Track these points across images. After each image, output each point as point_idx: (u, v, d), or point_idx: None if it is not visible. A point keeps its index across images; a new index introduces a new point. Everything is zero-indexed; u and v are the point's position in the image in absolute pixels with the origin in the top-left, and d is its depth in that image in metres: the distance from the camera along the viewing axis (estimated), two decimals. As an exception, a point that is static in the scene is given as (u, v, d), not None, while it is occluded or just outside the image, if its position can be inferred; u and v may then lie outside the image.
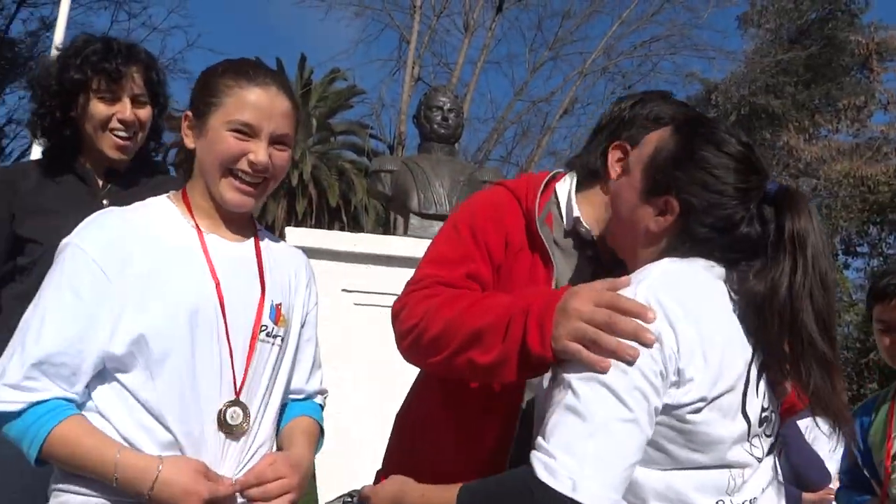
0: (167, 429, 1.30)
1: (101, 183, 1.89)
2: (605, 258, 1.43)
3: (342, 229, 17.96)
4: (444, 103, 4.68)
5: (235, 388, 1.37)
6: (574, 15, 14.74)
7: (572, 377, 1.10)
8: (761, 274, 1.18)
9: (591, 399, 1.07)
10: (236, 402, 1.36)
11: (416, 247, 4.13)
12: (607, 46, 14.52)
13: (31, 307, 1.34)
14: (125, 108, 1.84)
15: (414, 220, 4.48)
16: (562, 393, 1.10)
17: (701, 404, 1.11)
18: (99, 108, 1.83)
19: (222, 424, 1.35)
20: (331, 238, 4.07)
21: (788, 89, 16.77)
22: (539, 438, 1.10)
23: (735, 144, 1.24)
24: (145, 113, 1.88)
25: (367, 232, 12.56)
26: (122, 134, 1.84)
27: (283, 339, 1.46)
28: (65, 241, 1.37)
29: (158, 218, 1.43)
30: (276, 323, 1.44)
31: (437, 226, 4.49)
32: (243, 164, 1.38)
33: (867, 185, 13.61)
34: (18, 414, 1.26)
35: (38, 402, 1.26)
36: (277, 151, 1.41)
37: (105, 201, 1.80)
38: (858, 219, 14.08)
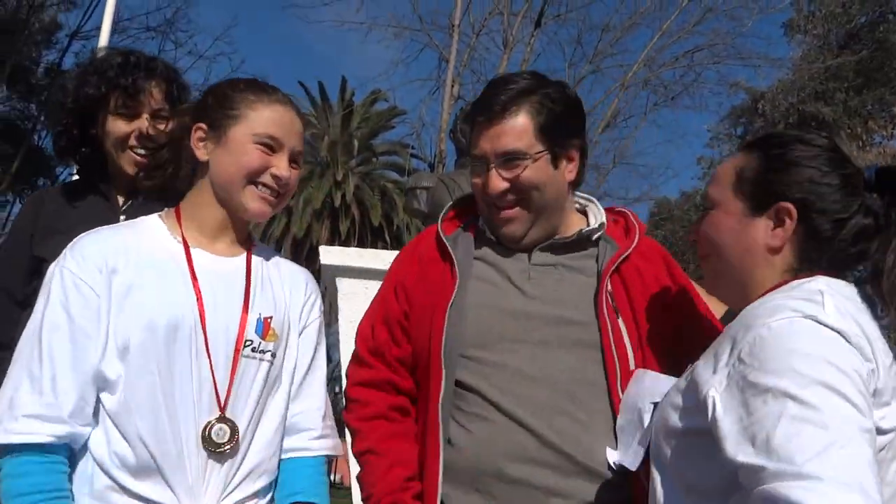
0: (145, 448, 1.25)
1: (121, 200, 1.84)
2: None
3: (385, 248, 18.06)
4: (480, 118, 4.61)
5: (220, 404, 1.32)
6: (613, 28, 14.62)
7: (786, 384, 0.99)
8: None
9: (825, 405, 0.96)
10: (223, 419, 1.31)
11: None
12: (648, 58, 14.33)
13: (25, 335, 1.31)
14: (143, 125, 1.78)
15: (451, 237, 4.41)
16: (770, 404, 0.99)
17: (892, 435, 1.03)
18: (117, 125, 1.78)
19: (207, 441, 1.30)
20: (365, 256, 4.02)
21: (839, 95, 16.28)
22: (761, 460, 0.95)
23: (820, 137, 1.24)
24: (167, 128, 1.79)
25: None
26: (142, 151, 1.78)
27: (273, 355, 1.42)
28: (52, 265, 1.36)
29: (145, 233, 1.43)
30: (263, 338, 1.40)
31: (474, 242, 4.42)
32: (266, 178, 1.43)
33: (926, 191, 13.07)
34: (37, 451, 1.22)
35: (50, 450, 1.23)
36: (293, 169, 1.46)
37: (123, 217, 1.76)
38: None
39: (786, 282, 1.20)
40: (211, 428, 1.30)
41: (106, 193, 1.83)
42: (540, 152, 1.51)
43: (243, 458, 1.34)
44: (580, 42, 14.97)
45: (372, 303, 1.66)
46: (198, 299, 1.35)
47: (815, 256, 1.20)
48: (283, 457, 1.43)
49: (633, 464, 1.30)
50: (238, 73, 23.33)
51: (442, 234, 1.61)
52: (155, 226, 1.45)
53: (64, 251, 1.37)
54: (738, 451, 1.00)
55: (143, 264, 1.36)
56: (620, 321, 1.48)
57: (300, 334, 1.51)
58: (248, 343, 1.37)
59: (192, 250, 1.40)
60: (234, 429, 1.32)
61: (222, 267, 1.43)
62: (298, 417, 1.46)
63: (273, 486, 1.41)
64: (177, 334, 1.31)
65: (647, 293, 1.52)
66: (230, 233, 1.47)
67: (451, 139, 4.85)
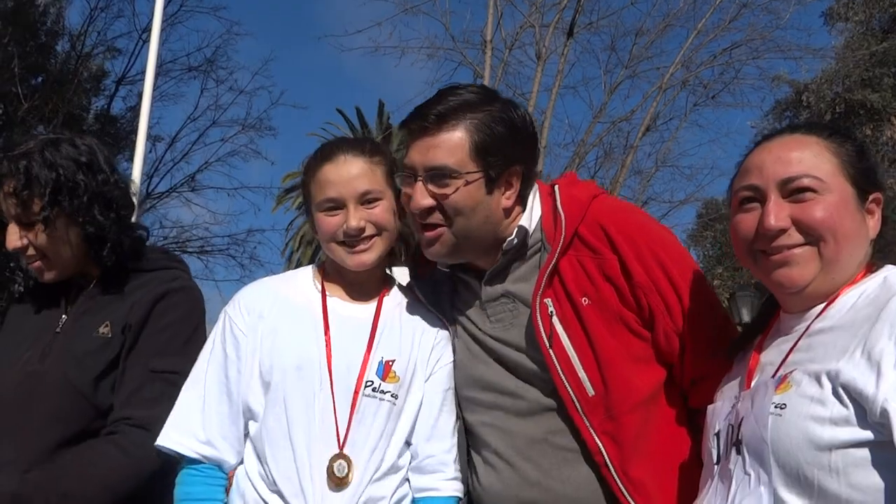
0: (277, 471, 1.42)
1: (62, 302, 1.75)
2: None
3: (432, 267, 18.05)
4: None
5: (339, 441, 1.44)
6: (648, 31, 14.47)
7: None
8: None
9: None
10: (341, 455, 1.42)
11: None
12: (685, 59, 14.15)
13: (195, 365, 1.55)
14: (13, 237, 1.65)
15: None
16: None
17: None
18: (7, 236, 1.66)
19: (331, 476, 1.42)
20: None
21: (887, 80, 15.80)
22: None
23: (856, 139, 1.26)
24: (35, 236, 1.64)
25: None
26: (31, 255, 1.67)
27: (394, 396, 1.49)
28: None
29: (294, 283, 1.61)
30: (383, 379, 1.48)
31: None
32: (340, 235, 1.51)
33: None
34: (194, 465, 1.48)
35: (206, 467, 1.47)
36: (369, 209, 1.52)
37: (63, 316, 1.71)
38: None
39: (872, 268, 1.21)
40: (333, 465, 1.41)
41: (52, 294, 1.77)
42: (473, 173, 1.41)
43: (363, 492, 1.43)
44: (614, 48, 14.82)
45: None
46: (326, 343, 1.48)
47: (885, 242, 1.23)
48: (417, 496, 1.51)
49: None
50: (278, 104, 23.92)
51: (414, 284, 1.62)
52: (304, 276, 1.63)
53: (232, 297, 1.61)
54: None
55: (286, 310, 1.53)
56: (565, 339, 1.41)
57: (428, 378, 1.56)
58: (368, 384, 1.47)
59: (328, 298, 1.55)
60: (350, 464, 1.42)
61: (354, 313, 1.56)
62: (430, 460, 1.52)
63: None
64: (303, 373, 1.46)
65: (594, 286, 1.41)
66: (361, 282, 1.59)
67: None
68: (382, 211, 1.53)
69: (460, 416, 1.55)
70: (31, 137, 1.64)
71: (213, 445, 1.49)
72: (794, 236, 1.19)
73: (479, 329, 1.52)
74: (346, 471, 1.41)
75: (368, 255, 1.52)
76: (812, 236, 1.18)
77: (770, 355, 1.24)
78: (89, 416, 1.54)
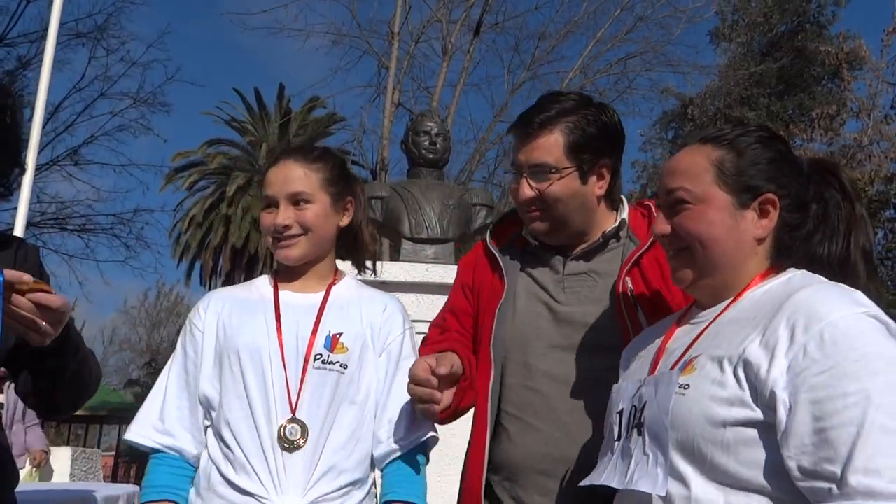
0: (240, 449, 1.55)
1: None
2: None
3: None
4: (432, 128, 4.72)
5: (291, 407, 1.57)
6: (550, 36, 14.93)
7: (868, 389, 1.02)
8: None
9: None
10: (294, 420, 1.56)
11: (409, 271, 4.14)
12: (584, 65, 14.71)
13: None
14: None
15: (406, 245, 4.49)
16: (851, 411, 1.02)
17: None
18: None
19: (282, 439, 1.54)
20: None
21: (762, 101, 17.03)
22: (835, 469, 1.00)
23: (771, 131, 1.35)
24: None
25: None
26: None
27: (343, 366, 1.63)
28: None
29: (250, 286, 1.77)
30: (331, 350, 1.62)
31: (428, 249, 4.50)
32: (272, 231, 1.67)
33: (844, 191, 13.77)
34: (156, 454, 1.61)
35: (168, 455, 1.61)
36: (298, 210, 1.67)
37: None
38: (838, 225, 14.22)
39: (771, 270, 1.29)
40: (284, 428, 1.55)
41: None
42: (567, 168, 1.64)
43: (319, 457, 1.56)
44: (518, 50, 15.19)
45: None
46: (277, 327, 1.61)
47: (788, 244, 1.30)
48: (382, 467, 1.64)
49: (659, 487, 1.18)
50: (174, 80, 22.87)
51: (491, 246, 1.81)
52: (260, 279, 1.79)
53: None
54: (807, 455, 1.04)
55: (240, 305, 1.67)
56: (641, 315, 1.60)
57: (381, 354, 1.69)
58: (317, 356, 1.61)
59: (280, 292, 1.70)
60: (304, 428, 1.55)
61: (304, 301, 1.69)
62: (386, 426, 1.64)
63: (361, 488, 1.61)
64: (257, 354, 1.60)
65: (666, 283, 1.60)
66: (307, 274, 1.72)
67: (402, 149, 4.94)
68: (311, 213, 1.66)
69: (498, 378, 1.66)
70: None
71: (171, 435, 1.61)
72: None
73: (553, 298, 1.68)
74: (297, 434, 1.54)
75: (292, 251, 1.66)
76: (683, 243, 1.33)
77: (676, 343, 1.34)
78: None
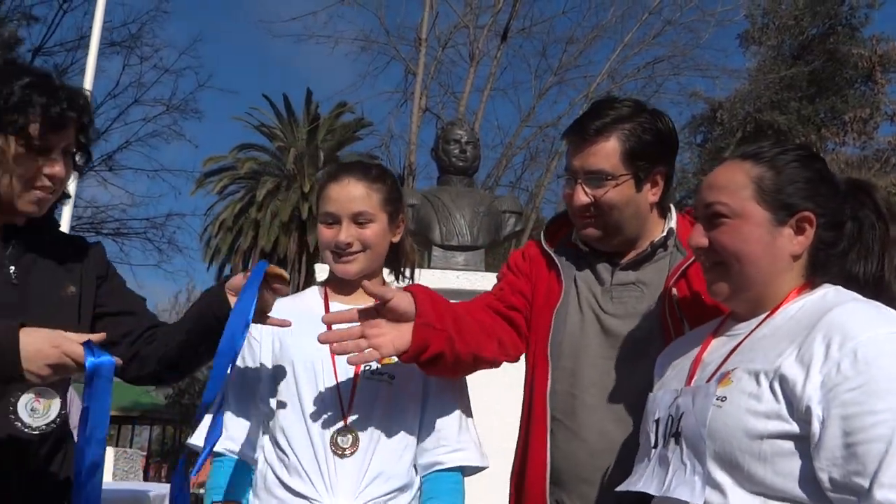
0: (293, 453, 1.63)
1: (2, 245, 1.58)
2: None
3: (355, 260, 17.91)
4: (462, 136, 4.77)
5: (343, 416, 1.64)
6: (577, 40, 14.89)
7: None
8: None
9: None
10: (346, 429, 1.64)
11: (440, 278, 4.20)
12: (611, 70, 14.65)
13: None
14: (57, 164, 1.54)
15: (437, 252, 4.55)
16: (879, 429, 1.07)
17: None
18: (27, 159, 1.51)
19: (334, 445, 1.62)
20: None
21: (793, 104, 16.84)
22: (863, 482, 1.06)
23: (819, 159, 1.37)
24: (68, 168, 1.58)
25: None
26: (48, 186, 1.55)
27: (391, 377, 1.69)
28: None
29: (301, 297, 1.85)
30: (379, 362, 1.67)
31: (459, 256, 4.56)
32: (332, 245, 1.73)
33: (878, 196, 13.56)
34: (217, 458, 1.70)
35: (230, 457, 1.69)
36: (360, 228, 1.72)
37: (12, 268, 1.56)
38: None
39: (806, 286, 1.32)
40: (336, 436, 1.64)
41: None
42: (624, 175, 1.64)
43: (369, 463, 1.63)
44: (545, 54, 15.18)
45: None
46: (329, 343, 1.63)
47: (824, 261, 1.33)
48: (423, 475, 1.69)
49: (697, 496, 1.22)
50: (206, 87, 23.17)
51: (546, 247, 1.82)
52: (310, 290, 1.87)
53: None
54: (837, 468, 1.09)
55: (293, 316, 1.71)
56: (686, 326, 1.61)
57: None
58: (366, 368, 1.68)
59: (330, 302, 1.78)
60: (355, 436, 1.63)
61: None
62: (432, 437, 1.69)
63: (407, 493, 1.66)
64: (310, 368, 1.68)
65: None
66: (358, 286, 1.76)
67: (432, 157, 5.00)
68: (371, 232, 1.72)
69: (550, 384, 1.69)
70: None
71: (232, 439, 1.70)
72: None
73: (601, 308, 1.70)
74: (349, 442, 1.62)
75: (352, 266, 1.72)
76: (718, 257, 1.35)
77: (712, 354, 1.37)
78: None
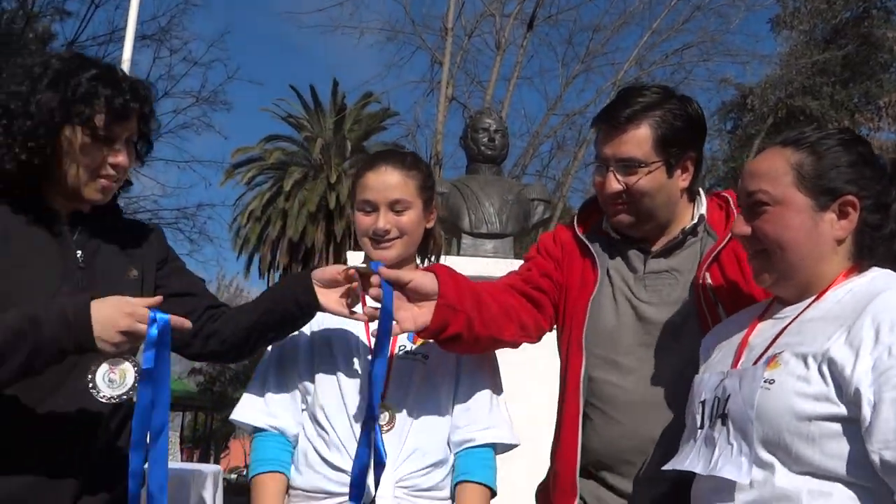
0: (333, 430, 1.71)
1: (69, 231, 1.62)
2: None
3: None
4: (490, 125, 4.81)
5: (380, 394, 1.68)
6: (604, 28, 14.78)
7: None
8: None
9: None
10: (383, 406, 1.68)
11: (470, 265, 4.24)
12: (639, 57, 14.54)
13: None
14: (121, 154, 1.60)
15: (466, 240, 4.60)
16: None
17: None
18: (93, 148, 1.56)
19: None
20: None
21: (826, 90, 16.52)
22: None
23: (862, 142, 1.37)
24: (131, 157, 1.65)
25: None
26: (112, 175, 1.61)
27: (426, 357, 1.74)
28: None
29: None
30: (413, 343, 1.75)
31: (488, 244, 4.60)
32: (370, 232, 1.76)
33: (913, 182, 13.31)
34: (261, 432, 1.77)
35: (273, 433, 1.76)
36: (397, 215, 1.75)
37: (79, 253, 1.61)
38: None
39: (854, 269, 1.33)
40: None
41: (49, 220, 1.59)
42: (656, 162, 1.66)
43: (406, 439, 1.69)
44: (571, 42, 15.10)
45: None
46: (365, 323, 1.74)
47: (870, 244, 1.33)
48: (456, 452, 1.75)
49: (744, 475, 1.24)
50: (235, 79, 23.32)
51: (580, 234, 1.82)
52: None
53: None
54: (889, 450, 1.11)
55: None
56: (721, 310, 1.62)
57: None
58: (401, 348, 1.75)
59: None
60: (392, 413, 1.70)
61: None
62: (465, 414, 1.75)
63: (442, 468, 1.72)
64: (347, 349, 1.77)
65: (745, 277, 1.62)
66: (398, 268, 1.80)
67: (461, 146, 5.05)
68: (408, 219, 1.76)
69: (586, 371, 1.71)
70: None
71: (274, 416, 1.77)
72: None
73: (635, 296, 1.72)
74: (386, 419, 1.68)
75: (389, 252, 1.76)
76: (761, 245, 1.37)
77: (758, 337, 1.39)
78: None
